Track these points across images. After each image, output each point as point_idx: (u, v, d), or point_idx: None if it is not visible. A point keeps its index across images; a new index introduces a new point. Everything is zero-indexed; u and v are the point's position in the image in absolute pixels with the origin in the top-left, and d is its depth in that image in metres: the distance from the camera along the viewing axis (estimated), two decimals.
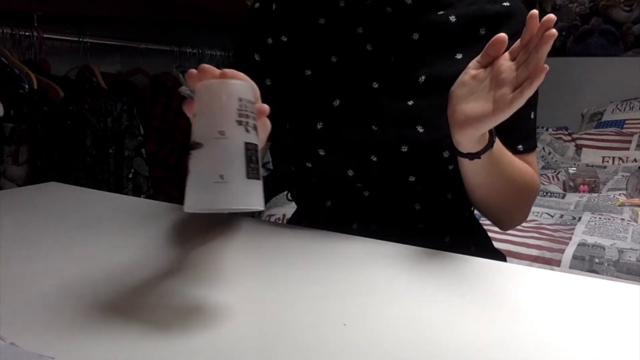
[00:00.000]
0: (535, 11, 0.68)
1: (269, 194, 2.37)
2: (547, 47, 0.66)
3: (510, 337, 0.55)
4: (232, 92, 0.56)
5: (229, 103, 0.56)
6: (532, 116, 0.90)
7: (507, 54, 0.71)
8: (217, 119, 0.56)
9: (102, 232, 0.87)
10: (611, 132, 3.20)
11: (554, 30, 0.65)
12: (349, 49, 0.90)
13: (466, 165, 0.80)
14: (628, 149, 3.08)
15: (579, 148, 3.22)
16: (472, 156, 0.77)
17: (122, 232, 0.86)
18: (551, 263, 1.68)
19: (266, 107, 0.63)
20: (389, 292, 0.65)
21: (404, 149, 0.85)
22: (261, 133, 0.63)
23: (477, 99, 0.72)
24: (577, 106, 3.57)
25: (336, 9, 0.91)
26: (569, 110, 3.55)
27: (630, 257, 1.65)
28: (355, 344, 0.53)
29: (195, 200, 0.56)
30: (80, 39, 2.19)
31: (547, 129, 3.39)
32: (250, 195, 0.56)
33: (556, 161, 3.11)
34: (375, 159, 0.87)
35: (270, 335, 0.55)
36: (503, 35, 0.71)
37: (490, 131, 0.75)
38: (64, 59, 2.19)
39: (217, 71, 0.59)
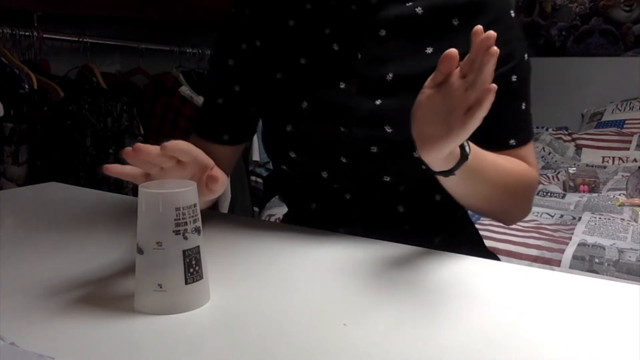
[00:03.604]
0: (479, 27, 0.63)
1: (269, 194, 2.37)
2: (490, 66, 0.61)
3: (509, 337, 0.55)
4: (170, 203, 0.57)
5: (166, 214, 0.57)
6: (524, 107, 0.86)
7: (457, 70, 0.66)
8: (154, 229, 0.57)
9: (102, 232, 0.87)
10: (611, 132, 3.20)
11: (495, 49, 0.61)
12: (316, 50, 0.89)
13: (443, 181, 0.76)
14: (628, 149, 3.08)
15: (579, 148, 3.22)
16: (445, 173, 0.73)
17: (122, 232, 0.86)
18: (551, 263, 1.68)
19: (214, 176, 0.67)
20: (388, 292, 0.65)
21: (374, 149, 0.84)
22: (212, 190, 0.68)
23: (434, 121, 0.67)
24: (577, 106, 3.56)
25: (303, 11, 0.91)
26: (569, 110, 3.54)
27: (630, 257, 1.65)
28: (355, 344, 0.53)
29: (140, 304, 0.60)
30: (80, 39, 2.19)
31: (547, 129, 3.39)
32: (188, 301, 0.59)
33: (556, 161, 3.10)
34: (345, 160, 0.86)
35: (271, 335, 0.55)
36: (453, 50, 0.64)
37: (461, 145, 0.71)
38: (64, 59, 2.19)
39: (154, 149, 0.59)
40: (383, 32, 0.86)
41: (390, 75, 0.84)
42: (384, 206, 0.90)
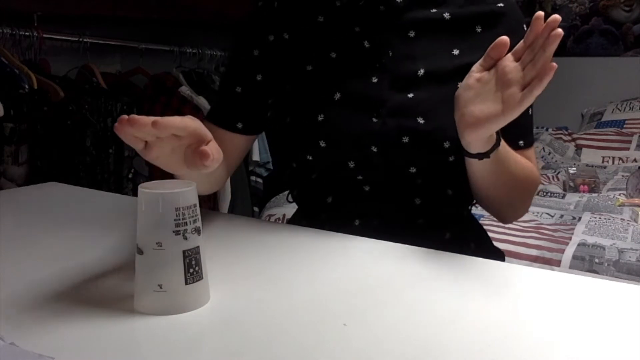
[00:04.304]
0: (541, 12, 0.70)
1: (269, 194, 2.37)
2: (554, 46, 0.68)
3: (510, 336, 0.55)
4: (170, 203, 0.57)
5: (166, 214, 0.57)
6: (530, 112, 0.93)
7: (509, 55, 0.73)
8: (154, 230, 0.57)
9: (102, 232, 0.87)
10: (611, 132, 3.19)
11: (560, 30, 0.68)
12: (347, 46, 0.92)
13: (475, 165, 0.81)
14: (628, 149, 3.07)
15: (579, 148, 3.22)
16: (481, 156, 0.79)
17: (122, 232, 0.86)
18: (551, 263, 1.68)
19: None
20: (388, 292, 0.65)
21: (405, 139, 0.87)
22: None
23: (485, 100, 0.73)
24: (577, 106, 3.56)
25: (333, 7, 0.94)
26: (569, 110, 3.54)
27: (630, 257, 1.65)
28: (355, 344, 0.53)
29: (140, 304, 0.59)
30: (80, 39, 2.19)
31: (547, 129, 3.38)
32: (189, 301, 0.59)
33: (556, 161, 3.10)
34: (375, 150, 0.88)
35: (271, 335, 0.55)
36: (505, 37, 0.73)
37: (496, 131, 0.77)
38: (64, 59, 2.19)
39: (148, 121, 0.58)
40: (412, 33, 0.90)
41: (422, 71, 0.89)
42: (402, 198, 0.91)
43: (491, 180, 0.84)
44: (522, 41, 0.72)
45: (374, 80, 0.89)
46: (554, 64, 0.67)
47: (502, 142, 0.80)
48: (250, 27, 0.97)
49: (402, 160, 0.88)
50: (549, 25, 0.69)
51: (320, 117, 0.89)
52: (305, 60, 0.93)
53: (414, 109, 0.87)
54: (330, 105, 0.90)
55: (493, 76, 0.74)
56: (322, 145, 0.89)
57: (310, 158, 0.91)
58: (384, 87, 0.89)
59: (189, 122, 0.64)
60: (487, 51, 0.74)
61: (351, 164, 0.89)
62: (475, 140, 0.77)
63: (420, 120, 0.86)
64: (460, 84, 0.77)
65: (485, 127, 0.74)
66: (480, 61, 0.76)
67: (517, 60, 0.72)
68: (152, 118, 0.58)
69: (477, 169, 0.82)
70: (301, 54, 0.94)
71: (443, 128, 0.83)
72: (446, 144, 0.86)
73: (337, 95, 0.90)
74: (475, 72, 0.75)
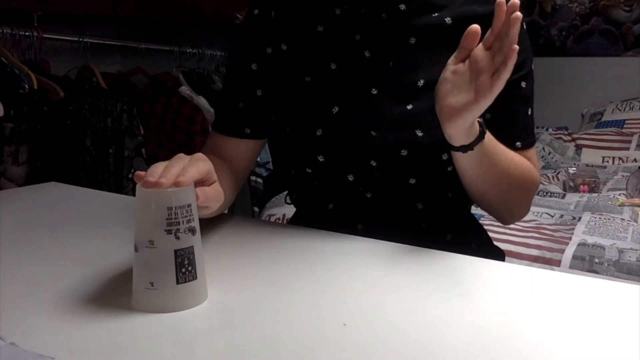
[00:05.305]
0: (501, 0, 0.71)
1: (269, 194, 2.37)
2: (516, 30, 0.68)
3: (510, 336, 0.55)
4: (162, 202, 0.58)
5: (158, 213, 0.57)
6: (530, 113, 0.91)
7: (481, 44, 0.73)
8: (147, 228, 0.58)
9: (102, 232, 0.87)
10: (611, 132, 3.20)
11: (518, 13, 0.68)
12: (347, 56, 0.90)
13: (460, 158, 0.81)
14: (628, 149, 3.08)
15: (579, 148, 3.22)
16: (465, 148, 0.78)
17: (122, 232, 0.86)
18: (551, 263, 1.68)
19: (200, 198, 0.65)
20: (388, 292, 0.65)
21: (404, 152, 0.86)
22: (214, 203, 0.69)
23: (460, 91, 0.73)
24: (577, 106, 3.56)
25: (333, 16, 0.92)
26: (569, 110, 3.54)
27: (630, 257, 1.65)
28: (355, 344, 0.53)
29: (135, 302, 0.60)
30: (80, 39, 2.18)
31: (547, 129, 3.39)
32: (180, 301, 0.60)
33: (556, 161, 3.10)
34: (374, 164, 0.88)
35: (271, 335, 0.55)
36: (475, 26, 0.72)
37: (480, 123, 0.77)
38: (64, 59, 2.19)
39: (170, 182, 0.59)
40: (413, 40, 0.89)
41: (422, 81, 0.87)
42: (404, 204, 0.91)
43: (479, 174, 0.83)
44: (489, 30, 0.73)
45: (374, 92, 0.88)
46: (515, 46, 0.67)
47: (489, 137, 0.79)
48: (246, 37, 0.95)
49: (401, 171, 0.88)
50: (508, 10, 0.69)
51: (319, 132, 0.88)
52: (304, 71, 0.91)
53: (413, 121, 0.86)
54: (328, 120, 0.89)
55: (468, 67, 0.74)
56: (321, 159, 0.89)
57: (309, 171, 0.91)
58: (383, 99, 0.88)
59: (202, 168, 0.66)
60: (460, 42, 0.74)
61: (350, 177, 0.89)
62: (455, 132, 0.76)
63: (419, 133, 0.86)
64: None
65: (462, 117, 0.74)
66: (455, 53, 0.75)
67: (488, 49, 0.73)
68: (174, 177, 0.59)
69: (463, 162, 0.82)
70: (300, 65, 0.92)
71: (442, 140, 0.82)
72: (445, 156, 0.85)
73: (336, 109, 0.88)
74: (451, 65, 0.75)
